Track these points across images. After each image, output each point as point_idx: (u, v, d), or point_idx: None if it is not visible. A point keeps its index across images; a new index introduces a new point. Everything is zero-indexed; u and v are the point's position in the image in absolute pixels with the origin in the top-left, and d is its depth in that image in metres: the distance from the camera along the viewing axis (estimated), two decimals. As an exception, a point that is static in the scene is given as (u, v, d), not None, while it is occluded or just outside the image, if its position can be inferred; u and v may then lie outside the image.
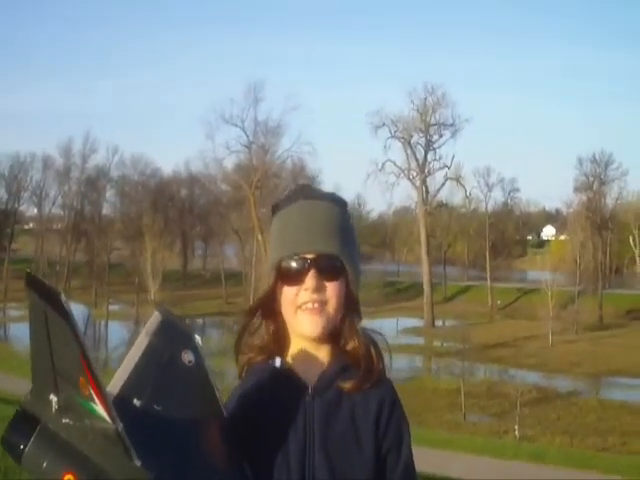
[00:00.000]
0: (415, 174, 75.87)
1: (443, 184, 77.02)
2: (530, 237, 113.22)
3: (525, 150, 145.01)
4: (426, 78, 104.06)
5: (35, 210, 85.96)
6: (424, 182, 75.33)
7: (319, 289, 1.96)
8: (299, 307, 1.97)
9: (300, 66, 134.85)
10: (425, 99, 75.01)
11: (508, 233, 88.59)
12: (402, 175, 75.63)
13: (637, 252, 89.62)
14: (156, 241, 66.95)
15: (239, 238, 77.13)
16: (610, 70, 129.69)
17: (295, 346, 2.02)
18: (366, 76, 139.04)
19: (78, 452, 1.63)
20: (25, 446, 1.66)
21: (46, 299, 1.52)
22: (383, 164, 75.30)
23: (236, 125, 70.48)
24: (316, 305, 1.96)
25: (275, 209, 2.11)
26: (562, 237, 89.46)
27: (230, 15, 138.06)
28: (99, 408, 1.55)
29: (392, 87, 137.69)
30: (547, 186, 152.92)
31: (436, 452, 23.83)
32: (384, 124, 74.97)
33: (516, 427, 32.65)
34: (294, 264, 1.97)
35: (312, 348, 2.01)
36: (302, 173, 79.10)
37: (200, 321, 68.65)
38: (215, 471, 1.81)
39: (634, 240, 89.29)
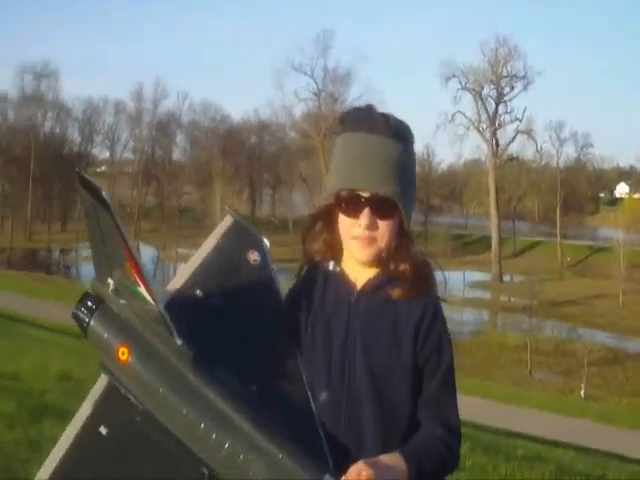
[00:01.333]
0: (485, 126, 74.78)
1: (514, 137, 75.74)
2: (603, 194, 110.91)
3: (599, 105, 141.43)
4: (498, 29, 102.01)
5: (107, 154, 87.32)
6: (494, 135, 74.22)
7: (372, 226, 2.07)
8: (353, 237, 2.09)
9: (370, 15, 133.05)
10: (496, 50, 73.54)
11: (580, 189, 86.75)
12: (472, 127, 74.69)
13: None
14: (225, 187, 67.37)
15: (307, 186, 77.24)
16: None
17: (348, 257, 2.16)
18: (437, 27, 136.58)
19: (132, 329, 1.85)
20: (89, 320, 1.91)
21: (93, 194, 1.73)
22: (453, 115, 74.23)
23: (305, 73, 70.39)
24: (368, 239, 2.08)
25: (341, 125, 2.17)
26: (636, 195, 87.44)
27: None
28: (143, 290, 1.72)
29: (463, 38, 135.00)
30: (622, 142, 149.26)
31: (501, 406, 23.83)
32: (454, 75, 73.97)
33: (582, 386, 32.39)
34: (351, 200, 2.07)
35: (364, 265, 2.14)
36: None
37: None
38: (266, 359, 1.96)
39: None
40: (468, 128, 74.40)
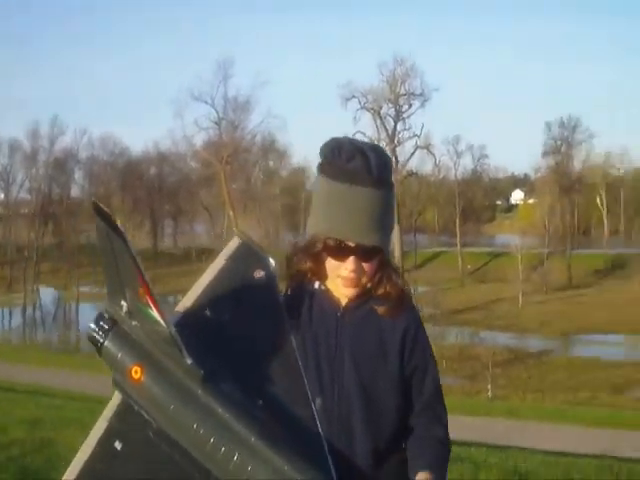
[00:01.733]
0: (385, 144, 75.90)
1: (413, 153, 77.23)
2: (499, 202, 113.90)
3: (493, 117, 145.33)
4: (395, 49, 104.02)
5: (2, 195, 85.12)
6: (394, 152, 75.38)
7: (357, 270, 2.23)
8: (339, 276, 2.25)
9: (270, 41, 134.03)
10: (394, 70, 75.09)
11: (477, 199, 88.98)
12: (372, 146, 75.63)
13: (604, 213, 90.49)
14: (126, 221, 66.66)
15: (209, 215, 76.96)
16: (574, 34, 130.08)
17: (333, 278, 2.29)
18: (335, 49, 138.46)
19: (145, 348, 1.94)
20: (104, 341, 1.99)
21: (106, 221, 1.87)
22: (353, 135, 74.85)
23: (205, 102, 70.23)
24: (353, 279, 2.24)
25: (324, 167, 2.30)
26: (530, 201, 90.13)
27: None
28: (154, 312, 1.83)
29: (361, 59, 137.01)
30: (516, 152, 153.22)
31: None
32: (354, 96, 75.00)
33: (489, 387, 33.06)
34: (338, 248, 2.22)
35: None
36: (272, 147, 79.14)
37: (172, 299, 68.62)
38: (271, 374, 2.06)
39: (601, 201, 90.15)
40: (368, 147, 75.39)
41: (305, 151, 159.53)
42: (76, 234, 78.03)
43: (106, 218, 1.87)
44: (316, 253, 2.25)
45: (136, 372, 1.93)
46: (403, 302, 2.28)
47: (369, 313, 2.26)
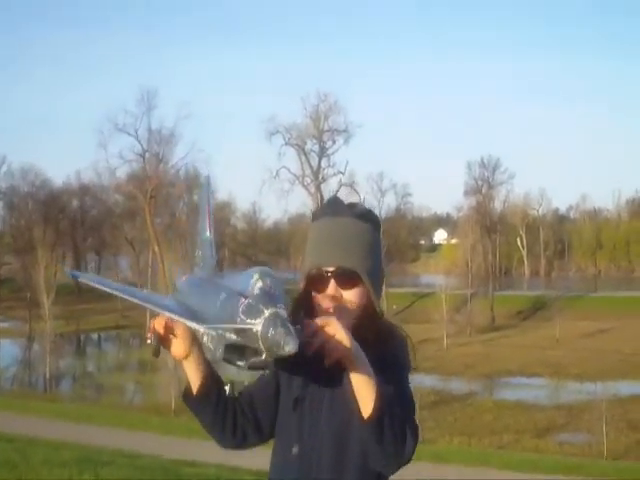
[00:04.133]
0: (310, 181, 76.53)
1: (337, 190, 77.62)
2: (423, 241, 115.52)
3: (417, 156, 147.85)
4: (318, 85, 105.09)
5: None
6: (319, 189, 76.00)
7: (336, 297, 2.30)
8: (323, 309, 2.29)
9: (194, 74, 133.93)
10: (318, 106, 75.76)
11: (401, 238, 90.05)
12: (297, 182, 76.17)
13: (524, 253, 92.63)
14: (48, 254, 65.33)
15: (133, 249, 76.06)
16: (497, 76, 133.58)
17: None
18: (259, 83, 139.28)
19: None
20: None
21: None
22: (277, 171, 75.36)
23: (129, 134, 69.42)
24: (334, 308, 2.28)
25: (312, 219, 2.48)
26: (453, 241, 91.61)
27: (121, 21, 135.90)
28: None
29: (285, 94, 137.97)
30: (439, 191, 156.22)
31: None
32: (278, 131, 75.39)
33: (416, 430, 33.29)
34: (318, 276, 2.33)
35: None
36: (196, 182, 78.72)
37: (96, 336, 67.44)
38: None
39: (521, 242, 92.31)
40: (293, 183, 75.89)
41: (230, 186, 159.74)
42: (-5, 266, 76.24)
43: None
44: (304, 295, 2.36)
45: None
46: (384, 354, 2.21)
47: None
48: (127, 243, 77.72)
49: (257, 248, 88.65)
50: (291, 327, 1.91)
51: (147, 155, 70.91)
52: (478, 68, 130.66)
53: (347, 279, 2.30)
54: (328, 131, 76.44)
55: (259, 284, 1.98)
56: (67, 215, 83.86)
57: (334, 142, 76.56)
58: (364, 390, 2.08)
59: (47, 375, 47.33)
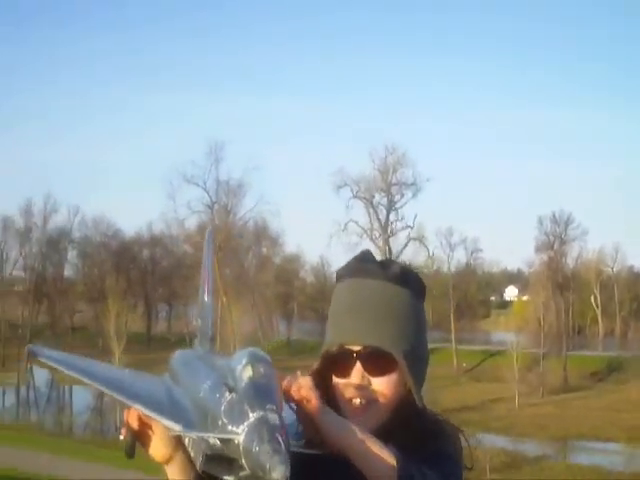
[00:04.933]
0: (378, 234, 76.26)
1: (406, 244, 77.41)
2: (493, 297, 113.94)
3: (487, 210, 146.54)
4: (387, 137, 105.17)
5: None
6: (387, 242, 75.65)
7: (364, 386, 1.82)
8: (346, 401, 1.83)
9: (262, 126, 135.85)
10: (386, 158, 75.66)
11: (471, 294, 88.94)
12: (365, 235, 75.97)
13: (599, 312, 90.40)
14: (119, 303, 66.23)
15: (203, 300, 76.49)
16: (565, 130, 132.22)
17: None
18: (328, 135, 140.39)
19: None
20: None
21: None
22: (346, 224, 75.38)
23: (198, 185, 70.53)
24: (361, 403, 1.82)
25: (336, 278, 1.99)
26: (524, 297, 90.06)
27: (190, 76, 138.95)
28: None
29: (354, 146, 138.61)
30: (509, 246, 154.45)
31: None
32: (346, 184, 75.44)
33: (487, 494, 32.47)
34: (340, 356, 1.85)
35: None
36: (265, 234, 79.29)
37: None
38: None
39: (595, 300, 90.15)
40: (361, 236, 75.72)
41: (298, 238, 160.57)
42: (69, 314, 77.51)
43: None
44: (319, 378, 1.84)
45: None
46: (428, 448, 1.77)
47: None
48: (197, 294, 78.23)
49: (326, 302, 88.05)
50: (281, 440, 1.48)
51: (215, 206, 71.81)
52: (546, 120, 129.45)
53: (378, 363, 1.83)
54: (396, 184, 76.28)
55: (248, 373, 1.60)
56: (138, 265, 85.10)
57: (402, 195, 76.20)
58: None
59: (118, 423, 47.63)
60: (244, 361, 1.62)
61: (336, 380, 1.86)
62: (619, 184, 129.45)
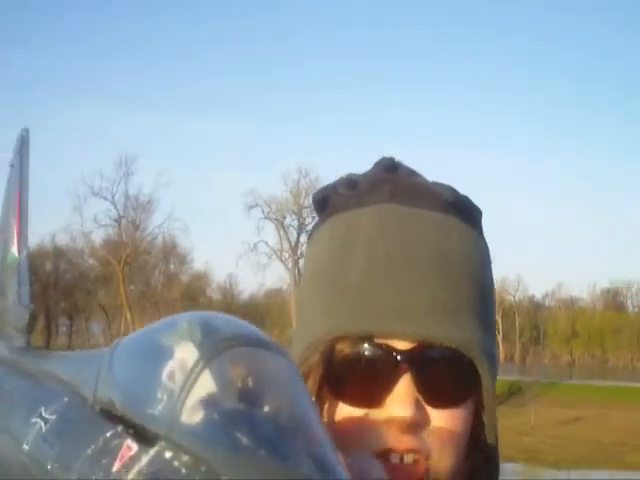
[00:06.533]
0: (287, 255, 76.28)
1: (315, 267, 77.54)
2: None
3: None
4: (300, 160, 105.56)
5: None
6: (296, 264, 75.68)
7: (419, 422, 0.94)
8: (377, 452, 0.92)
9: (175, 142, 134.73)
10: (298, 181, 75.97)
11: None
12: (274, 256, 75.88)
13: (500, 338, 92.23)
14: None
15: (106, 315, 75.04)
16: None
17: None
18: (240, 156, 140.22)
19: None
20: None
21: None
22: (255, 244, 75.17)
23: (105, 198, 68.96)
24: (415, 461, 0.94)
25: (319, 207, 1.22)
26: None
27: (105, 88, 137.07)
28: None
29: (266, 168, 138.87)
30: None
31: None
32: (257, 204, 75.28)
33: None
34: (366, 359, 0.95)
35: None
36: (173, 250, 78.30)
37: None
38: None
39: (497, 327, 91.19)
40: (270, 257, 75.60)
41: (207, 256, 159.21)
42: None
43: None
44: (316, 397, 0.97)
45: None
46: None
47: None
48: (100, 309, 76.76)
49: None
50: None
51: (123, 221, 70.48)
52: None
53: (447, 377, 0.97)
54: (308, 207, 76.49)
55: (206, 387, 0.80)
56: (40, 278, 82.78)
57: (313, 218, 76.00)
58: None
59: None
60: (190, 350, 0.75)
61: (349, 408, 0.96)
62: (524, 216, 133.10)
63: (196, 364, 0.72)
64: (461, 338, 0.95)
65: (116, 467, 0.70)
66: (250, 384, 0.73)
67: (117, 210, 69.80)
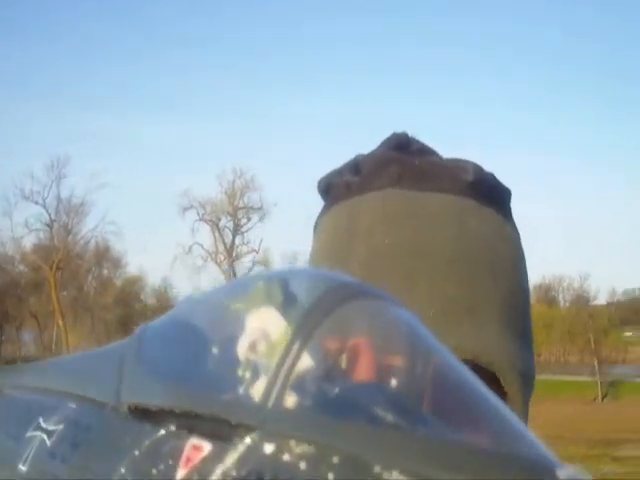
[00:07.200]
0: (223, 257, 75.66)
1: (251, 269, 76.97)
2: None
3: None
4: (235, 161, 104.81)
5: None
6: (232, 266, 75.21)
7: None
8: None
9: (109, 143, 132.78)
10: (234, 182, 75.21)
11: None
12: (209, 259, 75.22)
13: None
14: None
15: (37, 323, 73.62)
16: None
17: None
18: (173, 156, 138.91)
19: None
20: None
21: None
22: (190, 247, 74.29)
23: (37, 202, 67.42)
24: None
25: (324, 195, 0.99)
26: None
27: (36, 84, 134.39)
28: None
29: (200, 169, 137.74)
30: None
31: None
32: (192, 206, 74.19)
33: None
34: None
35: None
36: (106, 254, 77.01)
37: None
38: None
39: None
40: (206, 259, 74.84)
41: (141, 260, 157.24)
42: None
43: None
44: None
45: None
46: None
47: None
48: (31, 316, 75.29)
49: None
50: None
51: (55, 225, 69.15)
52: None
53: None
54: (243, 208, 76.06)
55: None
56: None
57: (249, 219, 76.04)
58: None
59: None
60: (274, 315, 0.58)
61: None
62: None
63: (291, 331, 0.54)
64: (479, 346, 0.79)
65: (181, 474, 0.55)
66: (373, 345, 0.57)
67: (49, 214, 68.34)
